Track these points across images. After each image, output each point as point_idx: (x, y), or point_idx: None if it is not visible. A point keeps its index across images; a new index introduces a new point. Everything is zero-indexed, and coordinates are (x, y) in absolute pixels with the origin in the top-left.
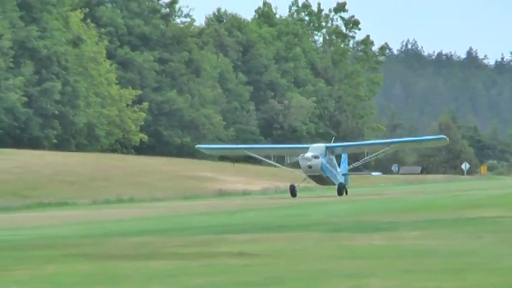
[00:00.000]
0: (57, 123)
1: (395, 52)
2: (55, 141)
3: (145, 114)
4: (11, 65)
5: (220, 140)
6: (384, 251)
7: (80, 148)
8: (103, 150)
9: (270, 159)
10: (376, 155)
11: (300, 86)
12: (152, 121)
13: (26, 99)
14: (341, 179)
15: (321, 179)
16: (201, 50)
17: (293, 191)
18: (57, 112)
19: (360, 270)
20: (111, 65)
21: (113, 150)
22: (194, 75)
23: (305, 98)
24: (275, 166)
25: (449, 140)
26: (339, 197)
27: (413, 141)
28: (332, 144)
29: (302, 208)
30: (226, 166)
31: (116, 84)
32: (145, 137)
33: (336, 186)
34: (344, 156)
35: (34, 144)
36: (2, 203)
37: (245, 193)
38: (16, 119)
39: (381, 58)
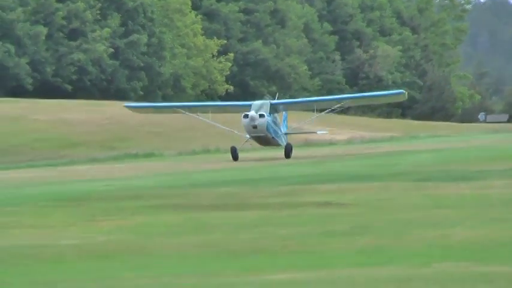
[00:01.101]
0: (143, 74)
1: (481, 0)
2: (141, 92)
3: (230, 65)
4: (98, 17)
5: (306, 90)
6: (471, 200)
7: (166, 99)
8: (189, 100)
9: (208, 117)
10: (326, 112)
11: (385, 35)
12: (238, 71)
13: (112, 50)
14: (285, 140)
15: (266, 140)
16: (286, 0)
17: (234, 154)
18: (143, 64)
19: (447, 220)
20: (196, 15)
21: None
22: (279, 26)
23: (391, 47)
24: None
25: (407, 95)
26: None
27: (368, 97)
28: (276, 101)
29: (389, 158)
30: (312, 116)
31: (202, 35)
32: (231, 88)
33: (284, 148)
34: (285, 115)
35: (121, 96)
36: (90, 154)
37: (331, 143)
38: (103, 70)
39: (467, 7)
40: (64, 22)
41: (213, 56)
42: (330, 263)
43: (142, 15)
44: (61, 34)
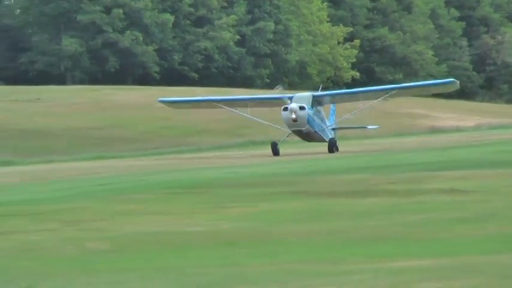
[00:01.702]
0: (269, 62)
1: None
2: (267, 80)
3: (357, 52)
4: (224, 4)
5: (432, 76)
6: None
7: (292, 86)
8: (315, 88)
9: (246, 111)
10: (371, 105)
11: None
12: (364, 58)
13: (238, 37)
14: (331, 134)
15: (308, 134)
16: None
17: (275, 149)
18: (269, 51)
19: None
20: (322, 3)
21: (325, 88)
22: (405, 12)
23: None
24: (254, 121)
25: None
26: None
27: (418, 86)
28: (319, 92)
29: None
30: (439, 103)
31: (327, 22)
32: (357, 74)
33: (327, 143)
34: (333, 108)
35: (247, 83)
36: (216, 141)
37: (458, 130)
38: (229, 58)
39: None
40: (191, 9)
41: (339, 43)
42: (457, 250)
43: (269, 2)
44: (188, 22)
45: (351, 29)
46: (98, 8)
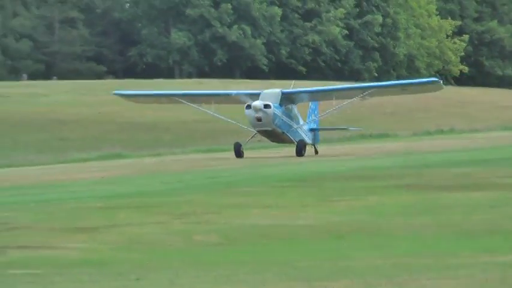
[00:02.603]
0: (377, 55)
1: None
2: (375, 74)
3: (465, 45)
4: None
5: None
6: None
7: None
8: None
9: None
10: (347, 104)
11: None
12: (473, 52)
13: (346, 32)
14: (305, 135)
15: (274, 135)
16: None
17: (238, 151)
18: (377, 44)
19: None
20: None
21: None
22: None
23: None
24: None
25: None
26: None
27: (396, 85)
28: (290, 90)
29: None
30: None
31: (436, 15)
32: (465, 68)
33: (296, 145)
34: (313, 106)
35: (354, 76)
36: (323, 135)
37: None
38: (337, 51)
39: None
40: (299, 3)
41: (447, 36)
42: None
43: None
44: (296, 15)
45: (460, 22)
46: (206, 2)
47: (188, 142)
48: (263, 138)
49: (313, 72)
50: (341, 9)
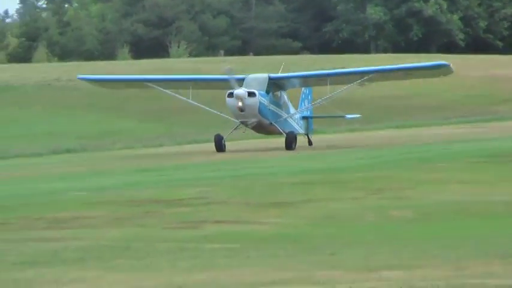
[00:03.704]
0: None
1: None
2: None
3: None
4: None
5: None
6: None
7: None
8: None
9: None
10: (344, 90)
11: None
12: None
13: None
14: (296, 125)
15: (260, 126)
16: None
17: (219, 144)
18: None
19: None
20: None
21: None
22: None
23: None
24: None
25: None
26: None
27: (400, 69)
28: (279, 74)
29: None
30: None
31: None
32: None
33: (285, 137)
34: (306, 92)
35: None
36: None
37: None
38: None
39: None
40: None
41: None
42: None
43: None
44: None
45: None
46: None
47: (384, 118)
48: (248, 129)
49: (511, 47)
50: None
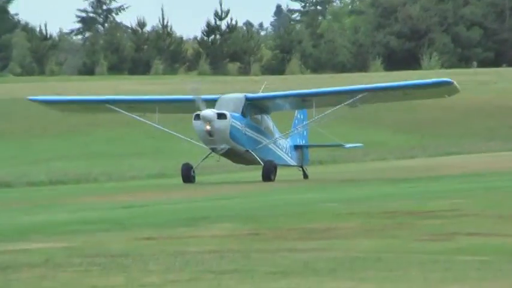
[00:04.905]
0: None
1: None
2: None
3: None
4: None
5: None
6: None
7: None
8: None
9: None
10: (330, 113)
11: None
12: None
13: None
14: (285, 155)
15: (234, 154)
16: None
17: (187, 175)
18: None
19: None
20: None
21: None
22: None
23: None
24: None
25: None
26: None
27: (399, 87)
28: (258, 94)
29: None
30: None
31: None
32: None
33: (262, 166)
34: (301, 117)
35: None
36: None
37: None
38: None
39: None
40: None
41: None
42: None
43: None
44: None
45: None
46: None
47: None
48: (222, 158)
49: None
50: None
